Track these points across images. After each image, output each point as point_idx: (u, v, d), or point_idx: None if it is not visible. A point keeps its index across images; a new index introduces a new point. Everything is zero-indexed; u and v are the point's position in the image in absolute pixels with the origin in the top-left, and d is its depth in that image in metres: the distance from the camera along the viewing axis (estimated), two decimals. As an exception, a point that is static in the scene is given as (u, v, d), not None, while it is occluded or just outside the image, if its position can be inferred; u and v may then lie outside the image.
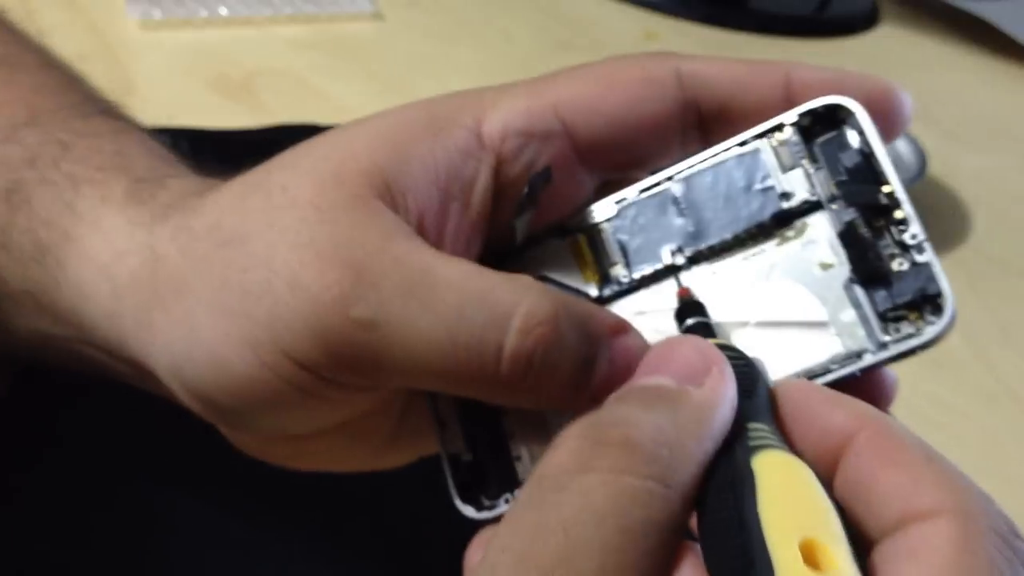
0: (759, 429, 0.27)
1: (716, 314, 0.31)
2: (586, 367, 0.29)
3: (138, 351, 0.33)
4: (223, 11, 0.77)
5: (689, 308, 0.31)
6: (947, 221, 0.75)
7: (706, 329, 0.30)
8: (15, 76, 0.40)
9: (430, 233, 0.31)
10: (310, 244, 0.30)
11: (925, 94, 0.90)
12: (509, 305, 0.29)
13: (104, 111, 0.39)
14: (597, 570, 0.23)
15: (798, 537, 0.23)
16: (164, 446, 0.43)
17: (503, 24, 0.87)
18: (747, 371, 0.28)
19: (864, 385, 0.29)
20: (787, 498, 0.24)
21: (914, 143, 0.74)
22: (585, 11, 0.91)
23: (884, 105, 0.31)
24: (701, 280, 0.32)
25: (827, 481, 0.26)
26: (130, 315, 0.33)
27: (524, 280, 0.30)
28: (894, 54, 0.96)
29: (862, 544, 0.25)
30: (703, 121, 0.32)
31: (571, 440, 0.25)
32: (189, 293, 0.31)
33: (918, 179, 0.71)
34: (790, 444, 0.27)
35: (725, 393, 0.27)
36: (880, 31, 0.99)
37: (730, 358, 0.28)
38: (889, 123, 0.31)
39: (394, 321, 0.29)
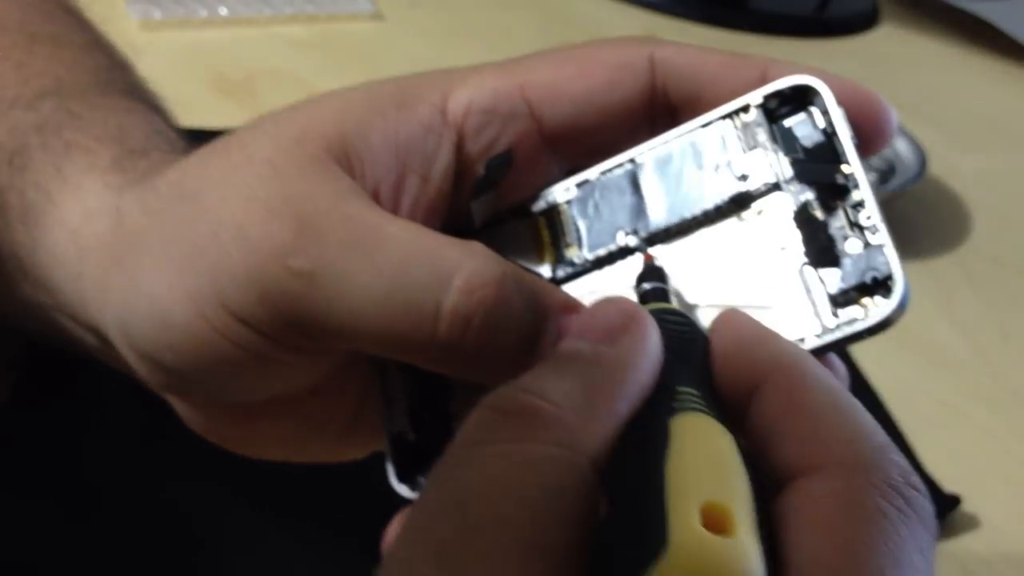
0: (687, 393, 0.25)
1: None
2: (530, 339, 0.29)
3: (96, 313, 0.32)
4: (223, 11, 0.77)
5: (649, 273, 0.30)
6: (947, 221, 0.75)
7: (661, 294, 0.30)
8: (58, 52, 0.40)
9: (386, 203, 0.31)
10: (260, 199, 0.29)
11: (925, 94, 0.91)
12: (453, 264, 0.28)
13: (126, 92, 0.39)
14: (493, 544, 0.21)
15: (702, 500, 0.22)
16: (167, 442, 0.43)
17: (503, 24, 0.87)
18: (687, 334, 0.28)
19: None
20: (698, 461, 0.23)
21: (914, 143, 0.74)
22: (585, 11, 0.91)
23: (867, 112, 0.30)
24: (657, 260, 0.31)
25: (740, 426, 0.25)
26: (90, 276, 0.32)
27: (473, 244, 0.29)
28: (894, 54, 0.96)
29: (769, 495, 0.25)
30: (674, 110, 0.32)
31: (476, 412, 0.24)
32: (142, 248, 0.31)
33: (918, 179, 0.71)
34: (714, 379, 0.26)
35: (642, 352, 0.26)
36: (880, 31, 0.99)
37: (673, 322, 0.28)
38: (872, 132, 0.30)
39: (333, 274, 0.28)
